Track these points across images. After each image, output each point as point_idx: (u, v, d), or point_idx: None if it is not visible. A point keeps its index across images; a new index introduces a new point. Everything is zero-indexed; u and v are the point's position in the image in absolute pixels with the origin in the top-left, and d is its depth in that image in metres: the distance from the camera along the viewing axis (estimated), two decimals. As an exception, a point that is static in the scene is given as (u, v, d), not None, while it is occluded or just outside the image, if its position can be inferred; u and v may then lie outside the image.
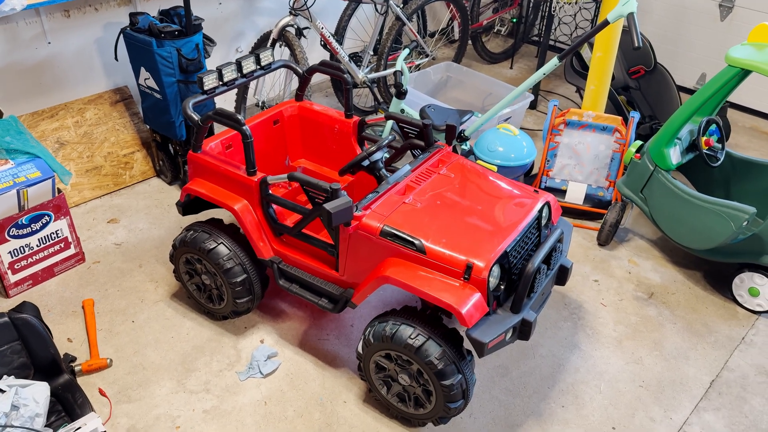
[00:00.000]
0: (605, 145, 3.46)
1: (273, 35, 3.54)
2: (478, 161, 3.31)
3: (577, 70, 4.06)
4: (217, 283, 2.65)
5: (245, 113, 3.93)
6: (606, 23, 2.84)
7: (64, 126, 3.50)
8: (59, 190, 2.88)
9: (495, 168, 3.26)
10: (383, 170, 2.56)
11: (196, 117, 2.50)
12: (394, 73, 3.46)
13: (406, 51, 3.59)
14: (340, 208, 2.11)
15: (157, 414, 2.40)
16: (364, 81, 4.10)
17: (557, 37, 5.48)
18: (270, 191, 2.48)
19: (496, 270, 2.17)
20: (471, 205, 2.35)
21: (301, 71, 2.94)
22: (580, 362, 2.69)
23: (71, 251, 3.02)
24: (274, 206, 2.53)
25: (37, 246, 2.87)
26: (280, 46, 3.60)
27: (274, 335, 2.74)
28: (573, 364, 2.68)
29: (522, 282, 2.17)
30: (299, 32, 3.59)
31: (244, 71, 2.71)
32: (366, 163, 2.51)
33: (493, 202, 2.38)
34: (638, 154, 3.14)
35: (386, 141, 2.53)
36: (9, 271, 2.82)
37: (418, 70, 4.54)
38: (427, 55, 4.48)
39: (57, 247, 2.95)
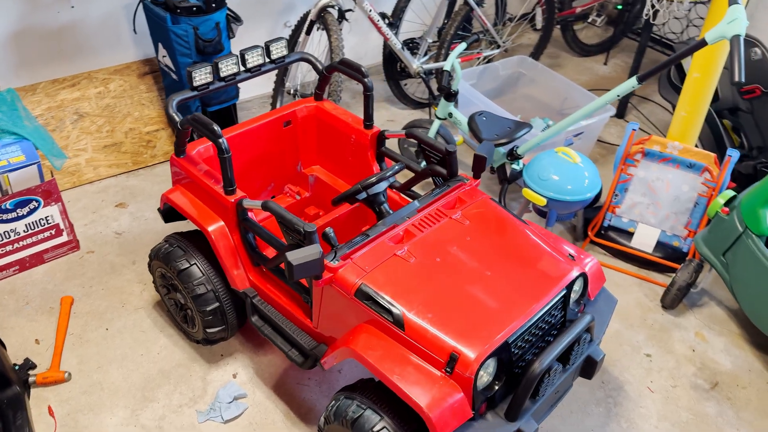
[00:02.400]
0: (690, 186, 2.82)
1: (311, 16, 3.11)
2: (525, 190, 2.77)
3: (674, 84, 3.36)
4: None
5: (283, 97, 3.55)
6: (703, 44, 2.20)
7: (86, 96, 3.28)
8: (52, 174, 2.66)
9: (544, 201, 2.71)
10: (385, 205, 2.12)
11: (177, 118, 2.15)
12: (442, 71, 2.95)
13: (463, 46, 3.05)
14: (304, 260, 1.70)
15: (99, 449, 2.15)
16: (418, 71, 3.60)
17: (665, 33, 4.68)
18: (249, 215, 2.10)
19: (491, 365, 1.70)
20: (479, 269, 1.87)
21: (320, 67, 2.51)
22: (603, 466, 2.18)
23: (63, 239, 2.80)
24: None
25: (24, 231, 2.67)
26: (318, 29, 3.16)
27: (249, 370, 2.41)
28: (594, 467, 2.18)
29: (523, 385, 1.69)
30: (341, 15, 3.14)
31: (249, 65, 2.33)
32: (363, 195, 2.07)
33: (510, 267, 1.89)
34: (726, 208, 2.49)
35: (390, 172, 2.08)
36: (-8, 256, 2.65)
37: (488, 62, 3.97)
38: (498, 46, 3.90)
39: (47, 234, 2.74)
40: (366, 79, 2.35)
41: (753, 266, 2.37)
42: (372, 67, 4.34)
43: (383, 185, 2.08)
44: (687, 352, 2.58)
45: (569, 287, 1.88)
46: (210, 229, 2.15)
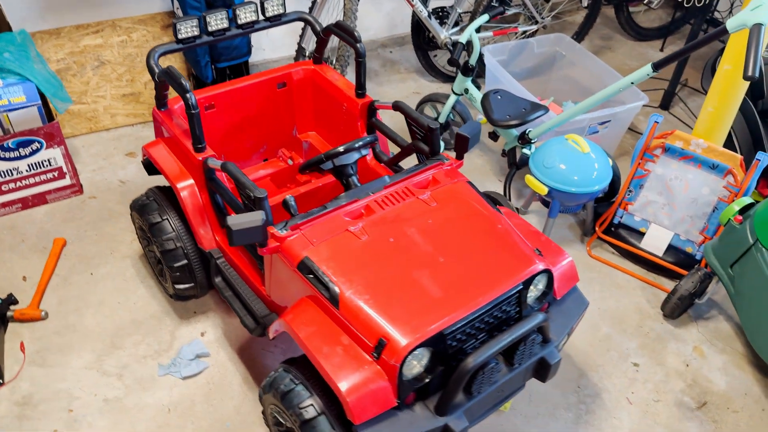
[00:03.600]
0: (710, 189, 2.58)
1: (329, -23, 3.01)
2: (528, 176, 2.62)
3: (716, 75, 3.07)
4: (165, 260, 2.34)
5: (303, 59, 3.49)
6: (723, 32, 1.97)
7: (108, 44, 3.31)
8: (56, 117, 2.71)
9: (545, 190, 2.55)
10: (353, 177, 2.03)
11: (156, 69, 2.13)
12: (454, 44, 2.81)
13: (484, 18, 2.89)
14: (243, 226, 1.66)
15: (59, 389, 2.20)
16: (445, 42, 3.45)
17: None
18: (215, 175, 2.06)
19: (424, 355, 1.61)
20: (432, 254, 1.76)
21: (318, 28, 2.42)
22: (558, 474, 2.06)
23: (66, 182, 2.87)
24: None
25: (26, 171, 2.75)
26: (336, -9, 3.06)
27: (218, 330, 2.41)
28: (548, 474, 2.06)
29: (453, 379, 1.59)
30: (361, -23, 3.02)
31: (240, 21, 2.26)
32: (329, 165, 1.99)
33: (467, 255, 1.78)
34: (740, 216, 2.27)
35: (359, 143, 1.98)
36: (-5, 191, 2.74)
37: (526, 37, 3.76)
38: (536, 22, 3.68)
39: (49, 176, 2.81)
40: (358, 45, 2.24)
41: (759, 282, 2.15)
42: (406, 36, 4.20)
43: (352, 156, 2.00)
44: (680, 366, 2.40)
45: (526, 283, 1.75)
46: (179, 185, 2.13)
